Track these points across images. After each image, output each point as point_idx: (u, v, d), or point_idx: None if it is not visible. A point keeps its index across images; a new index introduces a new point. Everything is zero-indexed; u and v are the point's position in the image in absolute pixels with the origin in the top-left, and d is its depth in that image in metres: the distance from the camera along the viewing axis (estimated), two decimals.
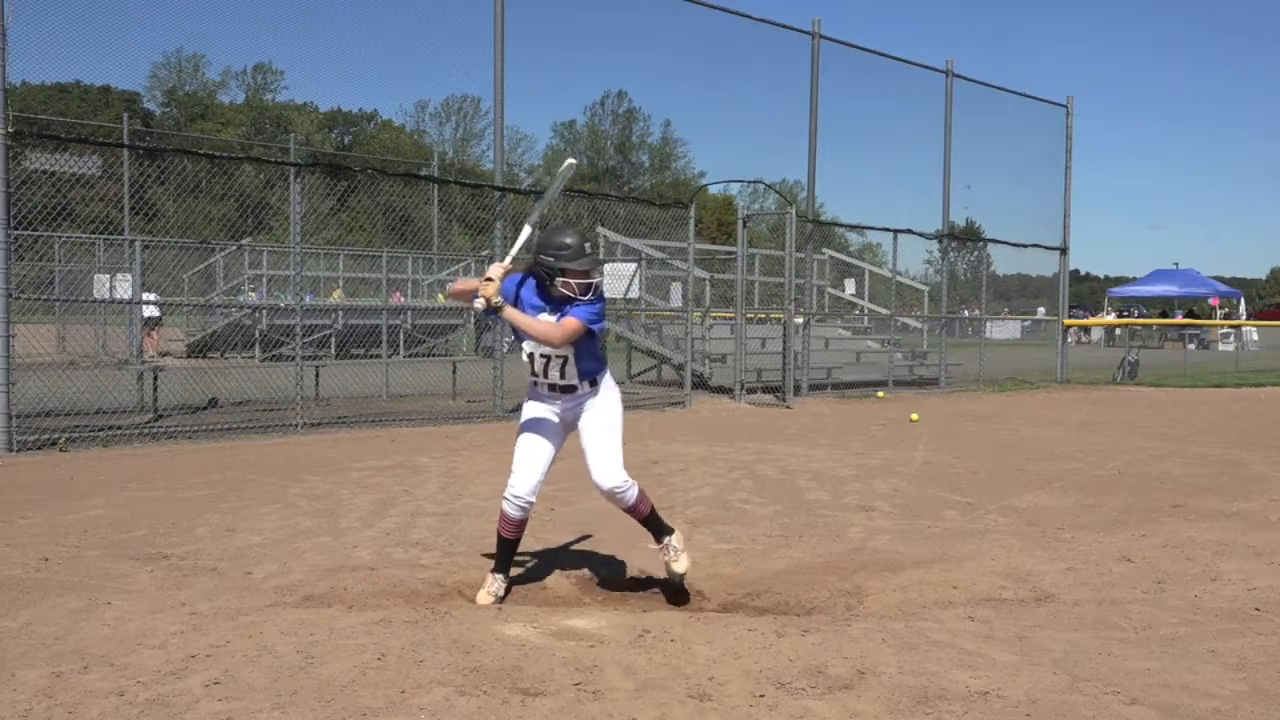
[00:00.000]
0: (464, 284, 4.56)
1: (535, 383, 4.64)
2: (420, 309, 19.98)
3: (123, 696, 3.37)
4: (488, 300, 4.32)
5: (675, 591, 4.73)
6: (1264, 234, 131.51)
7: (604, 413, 4.58)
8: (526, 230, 4.63)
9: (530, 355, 4.56)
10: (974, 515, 6.75)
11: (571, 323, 4.39)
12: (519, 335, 4.52)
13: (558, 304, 4.46)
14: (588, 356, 4.55)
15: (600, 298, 4.51)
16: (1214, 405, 15.98)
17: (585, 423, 4.57)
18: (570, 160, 4.91)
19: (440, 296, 21.43)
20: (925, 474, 8.47)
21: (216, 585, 4.74)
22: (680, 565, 4.63)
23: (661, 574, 4.79)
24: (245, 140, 39.89)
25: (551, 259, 4.40)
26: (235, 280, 19.52)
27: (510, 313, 4.40)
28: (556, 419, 4.64)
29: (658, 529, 4.67)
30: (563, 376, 4.53)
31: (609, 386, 4.67)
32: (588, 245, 4.50)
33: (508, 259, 4.54)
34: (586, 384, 4.57)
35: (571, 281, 4.40)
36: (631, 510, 4.61)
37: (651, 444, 9.91)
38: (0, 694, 3.38)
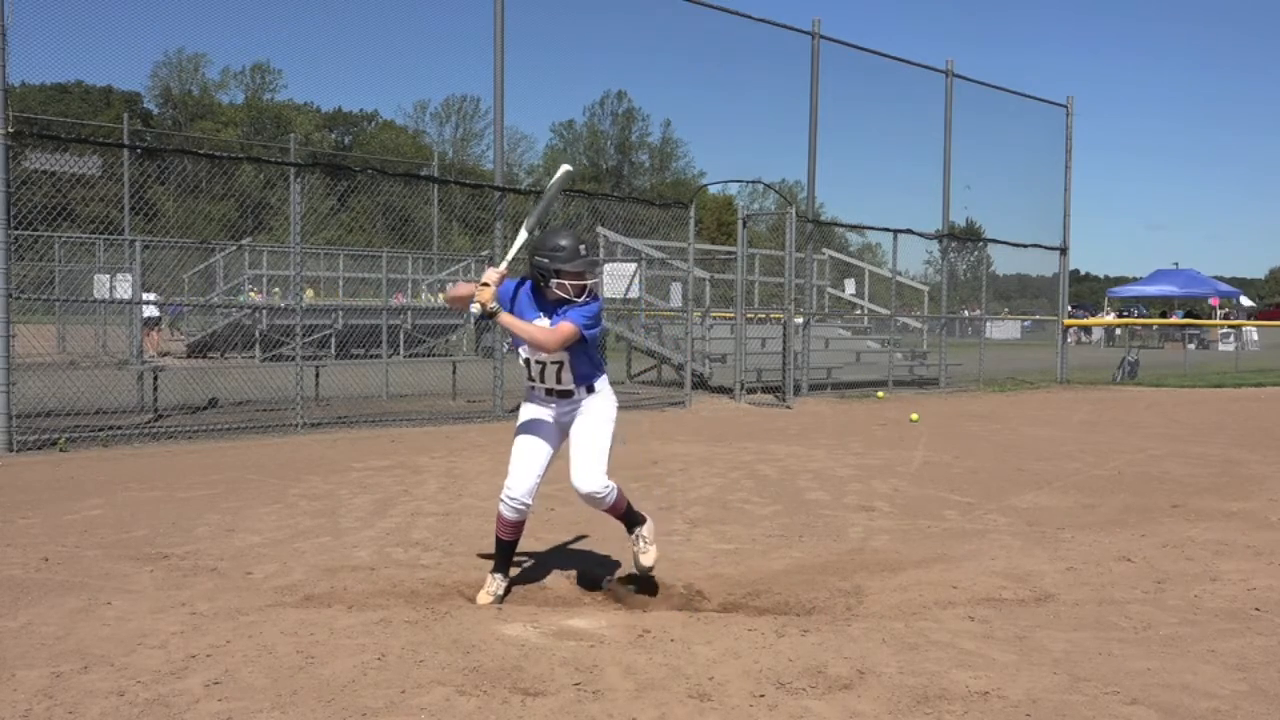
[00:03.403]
0: (461, 288, 4.47)
1: (532, 386, 4.61)
2: (420, 309, 19.98)
3: (123, 696, 3.37)
4: (483, 305, 4.24)
5: (644, 582, 4.74)
6: (1264, 234, 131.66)
7: (594, 417, 4.54)
8: (523, 234, 4.56)
9: (526, 360, 4.53)
10: (974, 515, 6.75)
11: (566, 327, 4.33)
12: (517, 339, 4.47)
13: (554, 307, 4.42)
14: (584, 361, 4.51)
15: (596, 299, 4.46)
16: (1214, 405, 15.98)
17: (575, 426, 4.56)
18: (566, 166, 4.80)
19: (441, 297, 21.38)
20: (925, 474, 8.47)
21: (216, 585, 4.74)
22: (647, 559, 4.64)
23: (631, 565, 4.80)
24: (245, 140, 39.89)
25: (546, 260, 4.37)
26: (235, 280, 19.52)
27: (505, 318, 4.31)
28: (553, 421, 4.62)
29: (631, 520, 4.68)
30: (559, 381, 4.50)
31: (607, 393, 4.64)
32: (583, 247, 4.43)
33: (503, 263, 4.47)
34: (583, 389, 4.53)
35: (566, 283, 4.36)
36: (610, 510, 4.63)
37: (652, 444, 9.91)
38: (0, 694, 3.38)
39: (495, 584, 4.60)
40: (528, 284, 4.51)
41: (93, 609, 4.33)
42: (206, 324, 19.34)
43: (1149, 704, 3.45)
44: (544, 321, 4.41)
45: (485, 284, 4.28)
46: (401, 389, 13.87)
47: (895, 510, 6.89)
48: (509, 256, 4.52)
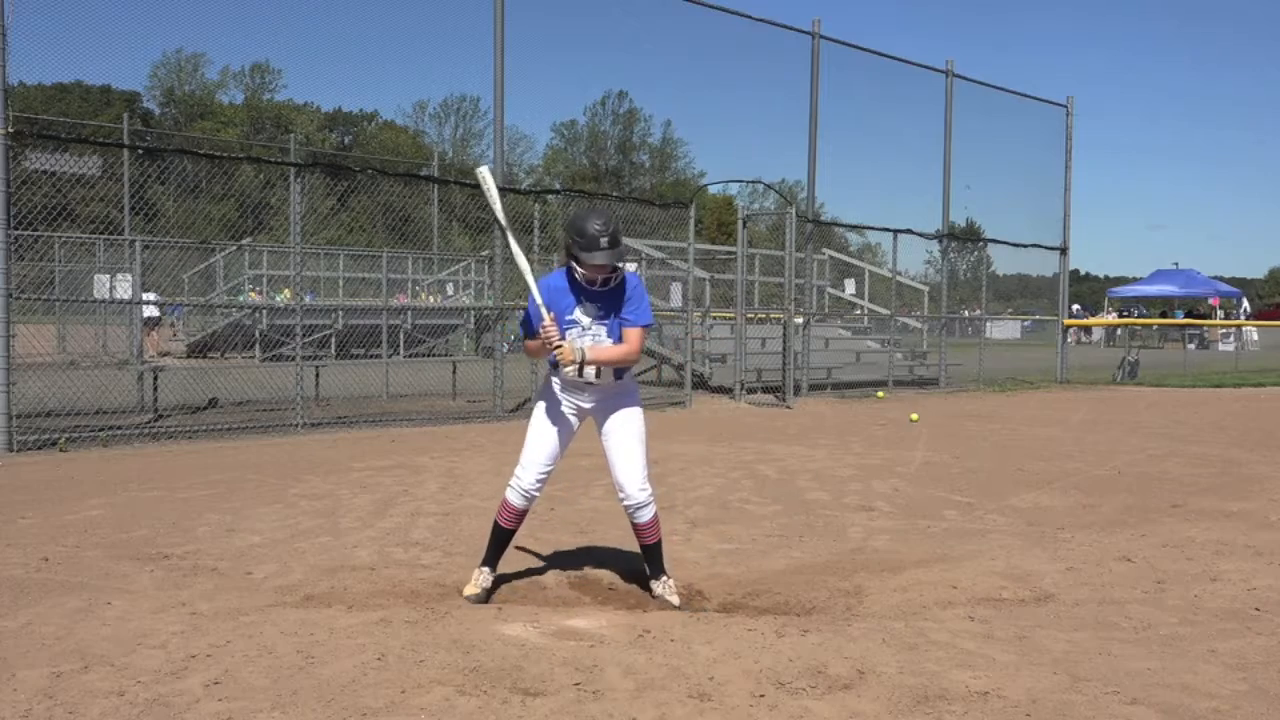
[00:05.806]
0: (533, 345, 4.47)
1: (559, 375, 4.50)
2: (420, 309, 19.98)
3: (123, 696, 3.37)
4: (573, 362, 4.30)
5: (644, 579, 4.75)
6: (1264, 234, 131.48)
7: (633, 420, 4.55)
8: (514, 246, 4.58)
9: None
10: (974, 515, 6.75)
11: (635, 334, 4.42)
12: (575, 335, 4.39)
13: (582, 289, 4.37)
14: None
15: (635, 285, 4.44)
16: (1214, 405, 15.97)
17: (615, 428, 4.52)
18: (481, 169, 4.77)
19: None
20: (925, 474, 8.47)
21: (216, 585, 4.74)
22: (676, 600, 4.61)
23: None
24: (245, 140, 39.91)
25: (571, 242, 4.33)
26: (235, 280, 19.53)
27: (594, 355, 4.35)
28: (575, 414, 4.57)
29: (658, 565, 4.64)
30: (598, 375, 4.45)
31: (634, 386, 4.68)
32: (605, 239, 4.26)
33: (545, 315, 4.34)
34: (614, 377, 4.51)
35: (586, 273, 4.32)
36: (645, 529, 4.58)
37: (652, 444, 9.80)
38: (0, 694, 3.38)
39: (484, 578, 4.59)
40: (562, 271, 4.46)
41: (93, 609, 4.33)
42: (206, 324, 19.34)
43: (1149, 704, 3.45)
44: (583, 315, 4.38)
45: (558, 345, 4.29)
46: (401, 389, 13.87)
47: (895, 510, 6.89)
48: (532, 285, 4.41)
